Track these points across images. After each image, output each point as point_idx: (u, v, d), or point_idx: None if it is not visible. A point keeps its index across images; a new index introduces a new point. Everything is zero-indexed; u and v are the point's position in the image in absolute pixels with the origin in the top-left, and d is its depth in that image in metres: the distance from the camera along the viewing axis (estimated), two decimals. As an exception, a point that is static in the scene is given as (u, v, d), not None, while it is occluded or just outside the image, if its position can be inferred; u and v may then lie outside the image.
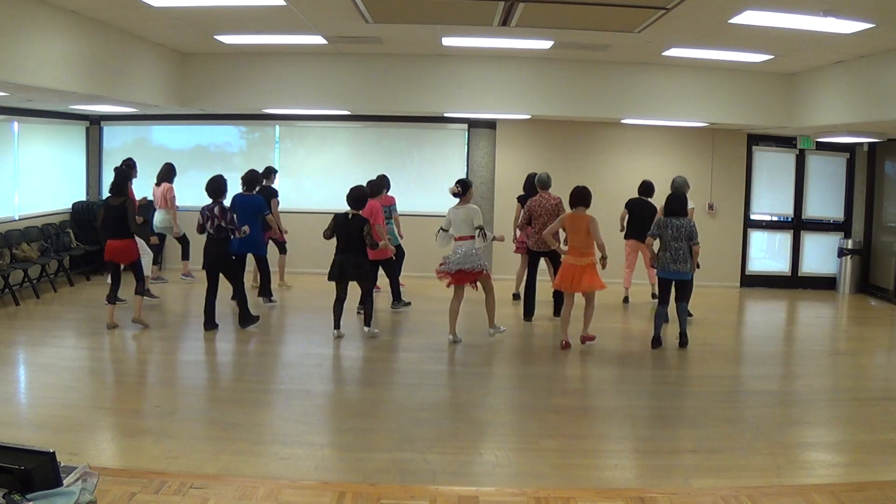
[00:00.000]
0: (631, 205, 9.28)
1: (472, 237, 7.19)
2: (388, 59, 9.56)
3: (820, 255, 11.48)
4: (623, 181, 10.25)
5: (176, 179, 9.71)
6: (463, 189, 7.34)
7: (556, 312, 8.48)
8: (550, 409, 5.70)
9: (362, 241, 7.25)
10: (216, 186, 7.58)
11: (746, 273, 11.48)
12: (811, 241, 11.54)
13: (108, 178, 11.30)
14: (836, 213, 11.50)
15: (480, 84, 9.69)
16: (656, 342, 7.45)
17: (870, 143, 10.75)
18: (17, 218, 9.44)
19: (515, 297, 9.48)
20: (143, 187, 9.70)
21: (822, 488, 4.21)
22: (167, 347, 7.31)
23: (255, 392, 5.98)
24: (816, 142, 11.08)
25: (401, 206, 9.62)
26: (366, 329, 7.57)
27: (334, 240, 7.43)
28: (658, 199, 9.17)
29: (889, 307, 10.23)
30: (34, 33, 6.42)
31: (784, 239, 11.61)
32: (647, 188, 9.24)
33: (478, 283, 7.35)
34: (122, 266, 7.70)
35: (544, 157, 10.80)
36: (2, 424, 4.88)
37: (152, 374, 6.57)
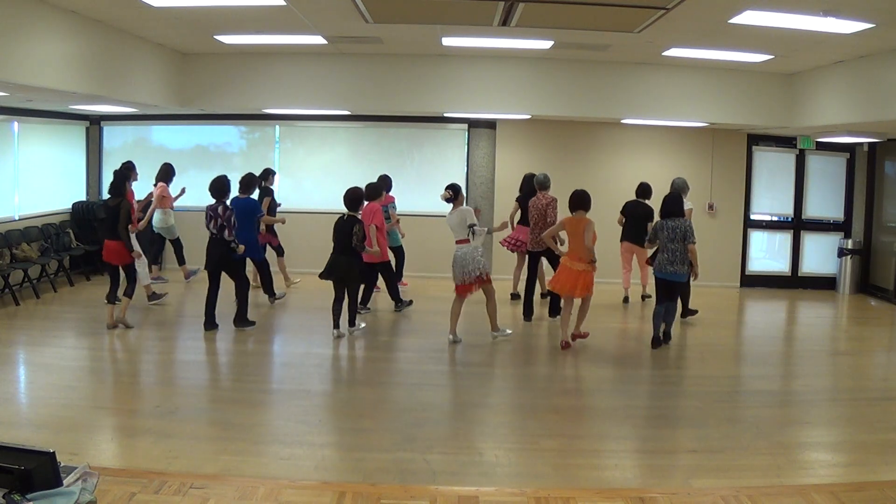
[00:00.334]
0: (627, 207, 9.29)
1: (468, 240, 7.20)
2: (388, 59, 9.56)
3: (820, 255, 11.48)
4: (623, 181, 10.25)
5: (175, 179, 9.69)
6: (454, 194, 7.35)
7: (552, 312, 8.49)
8: (550, 409, 5.70)
9: (350, 242, 7.27)
10: (220, 186, 7.58)
11: (746, 273, 11.48)
12: (811, 241, 11.54)
13: (108, 178, 11.29)
14: (836, 213, 11.50)
15: (480, 84, 9.69)
16: (655, 342, 7.45)
17: (870, 143, 10.75)
18: (17, 218, 9.45)
19: (513, 296, 9.49)
20: (143, 188, 9.68)
21: (822, 488, 4.21)
22: (167, 347, 7.32)
23: (255, 392, 5.98)
24: (816, 142, 11.08)
25: (400, 206, 9.64)
26: (349, 329, 7.54)
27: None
28: (656, 201, 9.19)
29: (889, 307, 10.23)
30: (34, 33, 6.42)
31: (784, 239, 11.61)
32: (644, 190, 9.24)
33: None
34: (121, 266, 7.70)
35: (544, 157, 10.80)
36: (2, 424, 4.89)
37: (152, 374, 6.58)
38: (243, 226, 7.90)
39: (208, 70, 9.71)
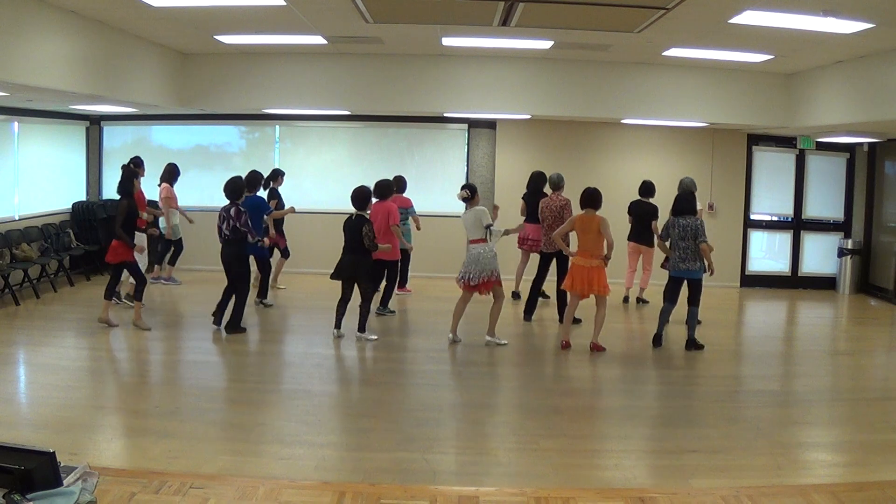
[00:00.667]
0: (631, 207, 9.27)
1: (484, 240, 7.17)
2: (388, 59, 9.56)
3: (820, 255, 11.48)
4: (623, 181, 10.25)
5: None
6: (471, 193, 7.33)
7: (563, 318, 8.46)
8: (550, 409, 5.70)
9: (360, 242, 7.23)
10: (234, 187, 7.54)
11: (746, 273, 11.48)
12: (811, 241, 11.54)
13: (108, 178, 11.40)
14: (836, 213, 11.50)
15: (480, 84, 9.69)
16: (657, 340, 7.44)
17: (870, 143, 10.75)
18: (17, 218, 9.45)
19: (515, 295, 9.48)
20: (147, 187, 9.66)
21: (822, 488, 4.21)
22: (167, 347, 7.32)
23: (255, 392, 5.98)
24: (816, 142, 11.09)
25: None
26: (357, 334, 7.44)
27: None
28: (658, 200, 9.19)
29: (889, 307, 10.23)
30: (34, 33, 6.43)
31: (784, 239, 11.61)
32: (647, 189, 9.23)
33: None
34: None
35: (544, 157, 10.80)
36: (2, 424, 4.88)
37: (152, 374, 6.57)
38: (251, 223, 7.85)
39: (208, 70, 9.72)
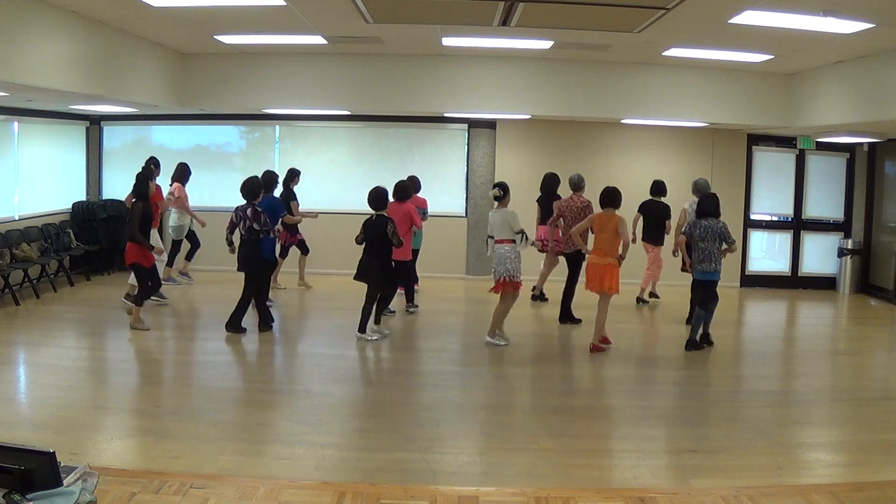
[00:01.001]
0: (643, 207, 9.22)
1: (511, 241, 7.13)
2: (388, 59, 9.56)
3: (820, 255, 11.48)
4: (623, 181, 10.12)
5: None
6: (503, 192, 7.29)
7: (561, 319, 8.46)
8: (550, 409, 5.70)
9: (383, 242, 7.15)
10: (251, 188, 7.47)
11: (746, 273, 11.48)
12: (811, 241, 11.54)
13: (108, 178, 11.40)
14: (836, 213, 11.50)
15: (480, 84, 9.69)
16: (690, 344, 7.34)
17: (870, 143, 10.75)
18: (17, 218, 9.44)
19: (534, 297, 9.44)
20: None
21: (822, 488, 4.21)
22: (168, 348, 7.32)
23: (256, 392, 5.98)
24: (816, 142, 11.08)
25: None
26: (357, 334, 7.42)
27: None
28: (667, 200, 9.17)
29: (889, 307, 10.23)
30: (34, 33, 6.42)
31: (784, 239, 11.61)
32: (658, 188, 9.16)
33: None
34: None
35: (544, 158, 10.81)
36: (2, 424, 4.88)
37: (152, 374, 6.57)
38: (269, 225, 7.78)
39: (208, 70, 9.72)
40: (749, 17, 6.32)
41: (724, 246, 7.18)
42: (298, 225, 9.46)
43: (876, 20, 6.06)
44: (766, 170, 11.47)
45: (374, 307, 7.48)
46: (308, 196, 11.14)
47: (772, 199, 11.56)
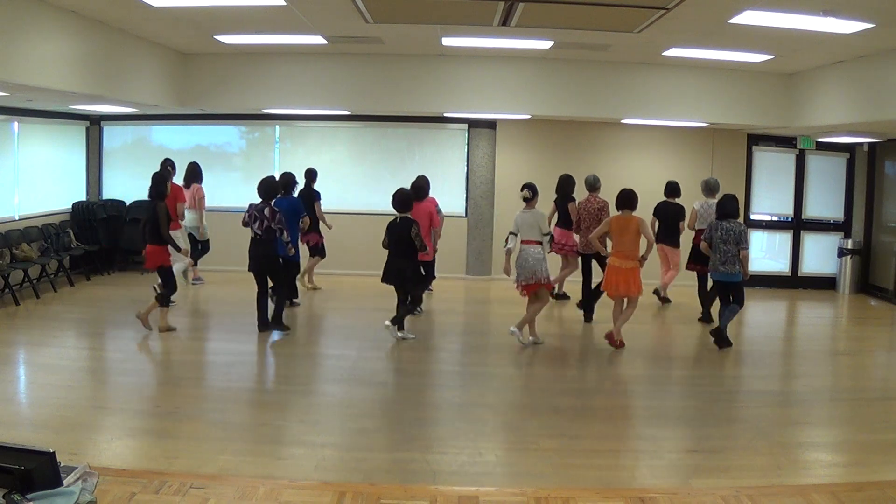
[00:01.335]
0: (657, 209, 9.09)
1: (538, 242, 7.14)
2: (388, 59, 9.56)
3: (820, 255, 11.47)
4: (623, 181, 10.08)
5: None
6: (532, 193, 7.29)
7: (587, 317, 8.51)
8: (550, 409, 5.70)
9: (408, 244, 7.13)
10: (268, 188, 7.44)
11: (746, 273, 11.47)
12: (811, 241, 11.53)
13: (108, 178, 11.40)
14: (836, 213, 11.50)
15: (480, 84, 9.69)
16: (722, 342, 7.41)
17: (870, 143, 10.75)
18: (17, 218, 9.44)
19: (557, 296, 9.39)
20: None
21: (822, 488, 4.21)
22: (168, 347, 7.31)
23: (255, 392, 5.98)
24: (816, 142, 11.08)
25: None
26: (398, 334, 7.41)
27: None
28: (656, 200, 9.15)
29: (889, 307, 10.22)
30: (34, 33, 6.42)
31: (784, 239, 11.61)
32: (672, 189, 9.01)
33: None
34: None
35: (544, 158, 10.81)
36: (2, 424, 4.89)
37: (153, 374, 6.57)
38: (286, 225, 7.77)
39: (208, 70, 9.71)
40: (749, 17, 6.32)
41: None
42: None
43: (876, 20, 6.06)
44: (766, 170, 11.47)
45: (403, 309, 7.45)
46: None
47: (772, 199, 11.56)
